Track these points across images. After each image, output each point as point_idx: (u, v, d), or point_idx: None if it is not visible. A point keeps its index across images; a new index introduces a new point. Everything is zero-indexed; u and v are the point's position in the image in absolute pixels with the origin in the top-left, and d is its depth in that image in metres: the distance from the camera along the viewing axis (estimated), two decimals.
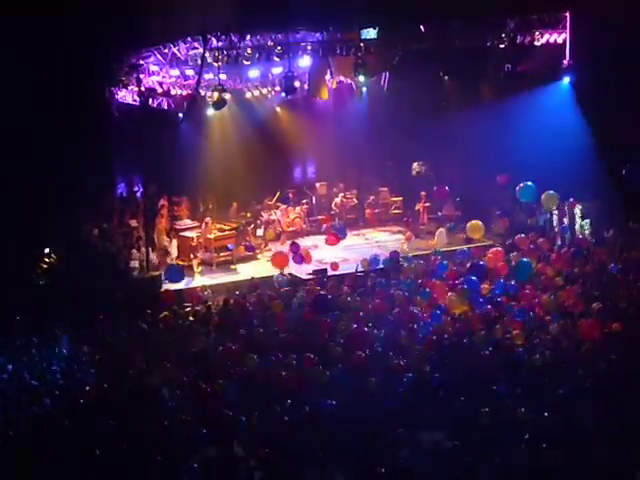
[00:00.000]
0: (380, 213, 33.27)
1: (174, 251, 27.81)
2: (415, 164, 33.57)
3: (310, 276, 26.07)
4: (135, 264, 26.50)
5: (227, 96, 28.44)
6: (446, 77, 31.08)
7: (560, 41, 29.72)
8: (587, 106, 29.01)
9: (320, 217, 32.37)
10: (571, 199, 28.63)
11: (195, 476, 13.60)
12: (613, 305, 20.70)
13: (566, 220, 28.62)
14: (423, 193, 31.94)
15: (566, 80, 29.83)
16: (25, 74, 25.02)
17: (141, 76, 26.63)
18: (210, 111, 29.05)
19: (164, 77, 28.03)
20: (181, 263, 27.62)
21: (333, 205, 32.61)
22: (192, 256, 27.97)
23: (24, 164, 25.91)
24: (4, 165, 25.24)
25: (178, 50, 26.69)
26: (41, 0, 24.24)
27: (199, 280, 26.85)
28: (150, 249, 26.75)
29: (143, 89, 26.66)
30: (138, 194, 30.35)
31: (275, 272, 25.98)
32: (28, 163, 26.09)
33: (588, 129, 28.62)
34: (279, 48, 27.17)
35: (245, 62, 26.89)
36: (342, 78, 31.02)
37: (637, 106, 26.98)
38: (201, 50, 26.15)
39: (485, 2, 27.31)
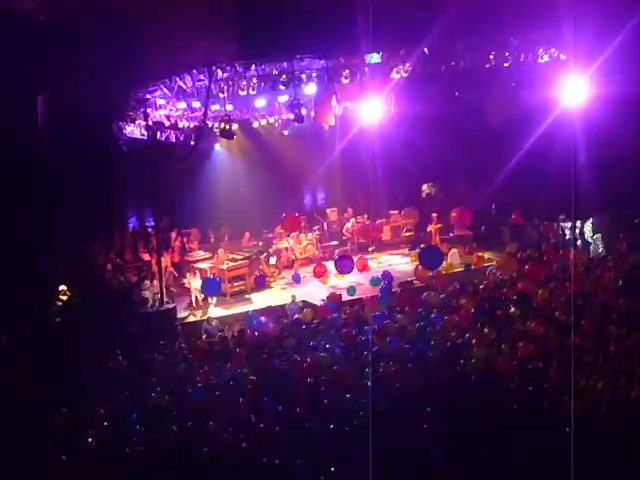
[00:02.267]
0: (392, 236, 33.23)
1: (197, 283, 27.74)
2: (425, 185, 33.64)
3: (323, 301, 26.07)
4: (149, 297, 26.57)
5: (235, 126, 28.60)
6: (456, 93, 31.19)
7: (564, 57, 29.83)
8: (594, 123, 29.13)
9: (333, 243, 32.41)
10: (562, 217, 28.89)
11: None
12: None
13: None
14: (434, 214, 31.94)
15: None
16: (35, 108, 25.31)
17: (148, 110, 26.73)
18: (219, 142, 29.22)
19: (171, 110, 28.12)
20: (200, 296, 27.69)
21: (345, 230, 32.62)
22: None
23: (37, 200, 26.14)
24: (17, 201, 25.49)
25: (184, 83, 26.80)
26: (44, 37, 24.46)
27: (213, 311, 26.89)
28: (164, 282, 26.80)
29: (151, 123, 26.76)
30: (150, 228, 30.43)
31: (288, 300, 26.16)
32: (40, 199, 26.33)
33: (595, 145, 28.75)
34: (284, 76, 27.28)
35: (251, 92, 26.99)
36: (348, 104, 31.06)
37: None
38: (207, 82, 26.30)
39: (488, 21, 27.40)
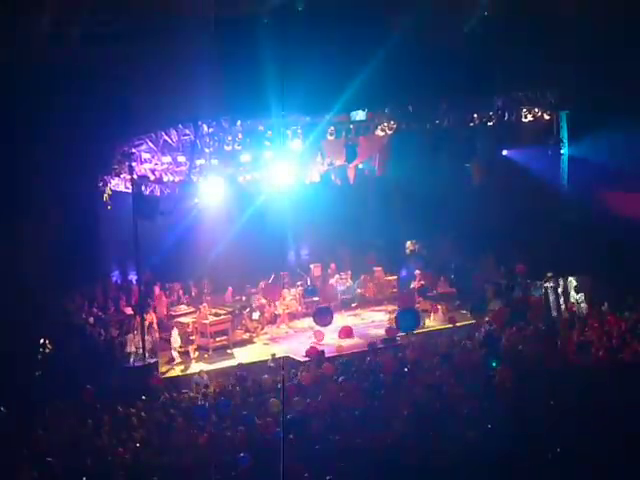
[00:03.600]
0: (376, 293, 33.10)
1: (176, 340, 27.60)
2: (409, 242, 33.65)
3: (306, 358, 26.01)
4: (131, 352, 26.39)
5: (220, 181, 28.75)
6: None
7: (547, 117, 30.17)
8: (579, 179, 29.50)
9: (316, 298, 32.20)
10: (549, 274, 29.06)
11: None
12: None
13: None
14: (417, 272, 31.96)
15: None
16: (19, 162, 25.30)
17: (133, 164, 26.72)
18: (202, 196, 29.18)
19: (156, 164, 28.05)
20: (180, 350, 27.52)
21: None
22: (188, 341, 27.90)
23: (18, 254, 26.01)
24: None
25: (169, 137, 26.88)
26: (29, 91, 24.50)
27: (195, 366, 26.74)
28: (147, 336, 26.61)
29: (135, 177, 26.74)
30: (133, 281, 30.29)
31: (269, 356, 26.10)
32: (22, 253, 26.20)
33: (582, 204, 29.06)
34: (270, 132, 27.41)
35: (236, 147, 27.09)
36: (333, 160, 31.17)
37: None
38: (192, 136, 26.39)
39: (472, 81, 27.70)
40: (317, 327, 28.87)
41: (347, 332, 28.53)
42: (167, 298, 30.11)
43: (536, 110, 30.15)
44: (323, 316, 28.71)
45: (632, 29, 26.26)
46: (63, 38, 23.81)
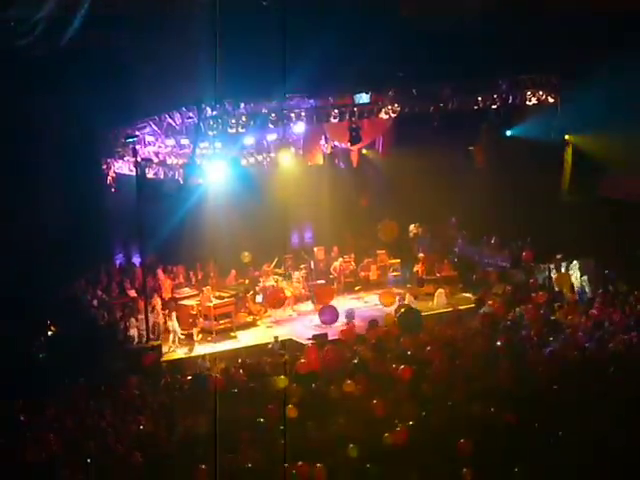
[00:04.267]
0: (379, 275, 33.03)
1: (175, 324, 27.51)
2: (412, 226, 33.59)
3: (310, 341, 26.00)
4: (134, 334, 26.43)
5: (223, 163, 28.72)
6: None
7: (551, 100, 30.11)
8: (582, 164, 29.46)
9: (319, 282, 32.15)
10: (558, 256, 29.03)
11: None
12: None
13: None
14: (421, 255, 31.94)
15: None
16: (23, 145, 25.35)
17: (137, 147, 26.73)
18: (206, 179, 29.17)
19: (160, 147, 28.08)
20: (182, 332, 27.49)
21: (332, 269, 32.49)
22: (192, 324, 27.91)
23: (23, 236, 26.08)
24: (3, 237, 25.46)
25: (173, 120, 26.86)
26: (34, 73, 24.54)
27: (199, 349, 26.78)
28: (150, 319, 26.61)
29: (139, 159, 26.72)
30: (136, 264, 30.28)
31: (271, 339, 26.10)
32: (26, 235, 26.26)
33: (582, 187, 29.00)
34: (273, 115, 27.37)
35: (240, 130, 27.04)
36: (336, 143, 31.14)
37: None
38: (196, 119, 26.35)
39: (476, 63, 27.67)
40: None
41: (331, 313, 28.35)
42: (172, 281, 30.10)
43: (540, 93, 30.09)
44: (329, 315, 28.50)
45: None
46: (67, 21, 23.78)
